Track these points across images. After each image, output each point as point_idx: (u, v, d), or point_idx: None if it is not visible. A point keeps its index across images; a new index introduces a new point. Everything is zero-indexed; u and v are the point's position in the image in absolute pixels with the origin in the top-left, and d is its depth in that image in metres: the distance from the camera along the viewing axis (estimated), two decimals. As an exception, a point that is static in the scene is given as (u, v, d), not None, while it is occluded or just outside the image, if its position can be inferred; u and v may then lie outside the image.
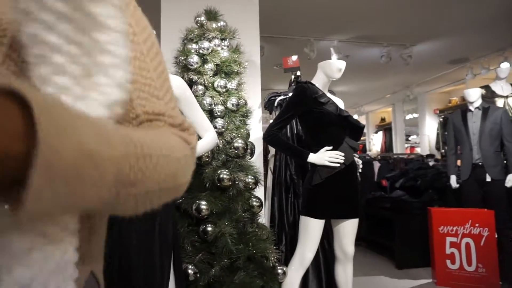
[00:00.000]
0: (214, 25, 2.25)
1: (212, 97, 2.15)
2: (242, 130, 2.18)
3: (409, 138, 9.68)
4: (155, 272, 1.48)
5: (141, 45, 0.48)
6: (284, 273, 2.07)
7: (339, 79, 2.18)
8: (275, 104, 2.79)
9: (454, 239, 3.18)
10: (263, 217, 2.43)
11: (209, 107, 2.13)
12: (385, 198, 4.40)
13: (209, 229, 1.96)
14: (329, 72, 2.14)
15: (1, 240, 0.31)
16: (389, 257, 4.04)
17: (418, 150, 8.47)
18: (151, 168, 0.37)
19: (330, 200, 2.01)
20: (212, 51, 2.20)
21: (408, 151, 8.83)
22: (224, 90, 2.19)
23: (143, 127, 0.47)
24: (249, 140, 2.23)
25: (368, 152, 9.02)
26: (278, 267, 2.07)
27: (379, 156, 7.00)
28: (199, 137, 1.81)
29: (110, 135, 0.32)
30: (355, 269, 2.27)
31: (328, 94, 2.17)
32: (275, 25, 4.20)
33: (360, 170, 2.29)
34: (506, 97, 4.10)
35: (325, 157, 2.01)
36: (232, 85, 2.20)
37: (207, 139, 1.80)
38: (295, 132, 2.71)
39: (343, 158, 2.01)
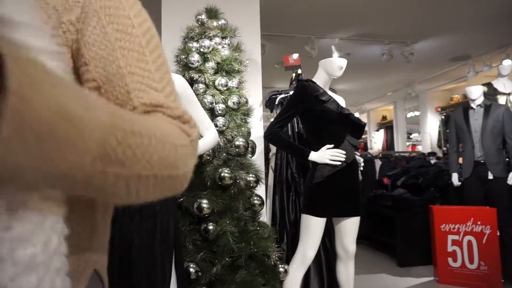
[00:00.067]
0: (215, 24, 2.25)
1: (213, 95, 2.15)
2: (243, 129, 2.18)
3: (411, 136, 9.67)
4: (156, 271, 1.49)
5: (139, 37, 0.48)
6: (286, 271, 2.07)
7: (340, 77, 2.17)
8: (276, 103, 2.79)
9: (456, 237, 3.17)
10: (265, 216, 2.43)
11: (210, 106, 2.13)
12: (386, 196, 4.39)
13: (210, 227, 1.96)
14: (330, 70, 2.13)
15: None
16: (390, 255, 4.04)
17: (419, 148, 8.45)
18: (143, 149, 0.35)
19: (331, 198, 2.01)
20: (213, 49, 2.20)
21: (409, 149, 8.84)
22: (225, 88, 2.18)
23: None
24: (250, 138, 2.22)
25: (369, 150, 9.01)
26: (280, 266, 2.07)
27: (380, 154, 6.99)
28: (200, 136, 1.81)
29: (94, 102, 0.31)
30: (357, 267, 2.27)
31: (329, 92, 2.17)
32: (276, 23, 4.19)
33: (361, 168, 2.29)
34: (508, 94, 4.08)
35: (326, 155, 2.00)
36: (233, 83, 2.20)
37: (208, 138, 1.80)
38: (296, 130, 2.70)
39: (344, 156, 2.01)
